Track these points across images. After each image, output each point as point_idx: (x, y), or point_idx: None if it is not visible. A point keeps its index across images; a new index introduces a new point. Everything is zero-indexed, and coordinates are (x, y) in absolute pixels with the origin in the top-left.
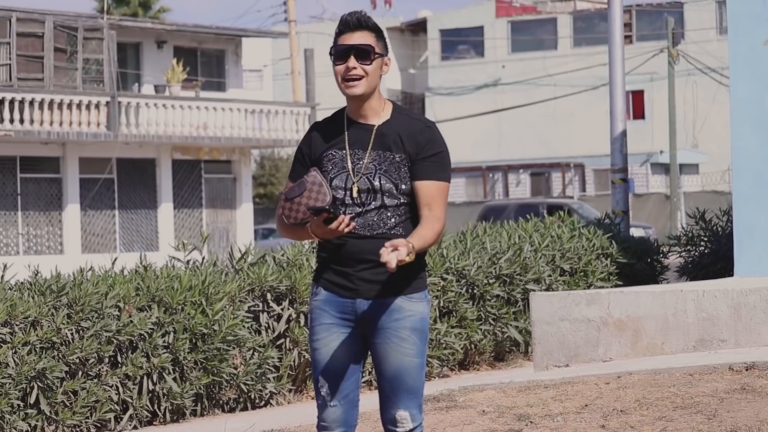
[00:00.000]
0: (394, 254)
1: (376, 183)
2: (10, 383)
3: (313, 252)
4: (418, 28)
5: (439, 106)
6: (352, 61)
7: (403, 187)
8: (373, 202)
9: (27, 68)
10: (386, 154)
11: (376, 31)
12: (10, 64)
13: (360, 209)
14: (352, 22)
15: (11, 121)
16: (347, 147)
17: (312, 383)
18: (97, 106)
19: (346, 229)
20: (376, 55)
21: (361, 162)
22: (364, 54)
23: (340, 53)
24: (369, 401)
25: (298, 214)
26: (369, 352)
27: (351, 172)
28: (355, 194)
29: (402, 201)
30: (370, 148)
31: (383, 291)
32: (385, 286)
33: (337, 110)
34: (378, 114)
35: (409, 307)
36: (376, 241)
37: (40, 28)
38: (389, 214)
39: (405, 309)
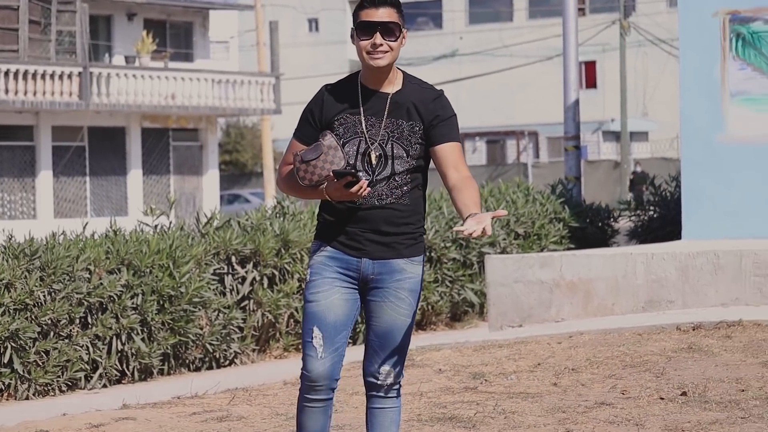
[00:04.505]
0: (479, 227)
1: (388, 150)
2: None
3: (276, 217)
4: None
5: None
6: (378, 38)
7: (413, 152)
8: (383, 172)
9: (2, 40)
10: (399, 122)
11: (397, 6)
12: None
13: (370, 177)
14: None
15: None
16: (362, 112)
17: (275, 343)
18: (69, 76)
19: (364, 194)
20: (400, 31)
21: (374, 129)
22: (389, 31)
23: (366, 29)
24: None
25: (313, 176)
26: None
27: (365, 138)
28: (373, 160)
29: (410, 166)
30: (385, 116)
31: (388, 252)
32: (390, 248)
33: (349, 75)
34: (392, 83)
35: (410, 269)
36: (385, 211)
37: (15, 1)
38: (398, 182)
39: (406, 270)
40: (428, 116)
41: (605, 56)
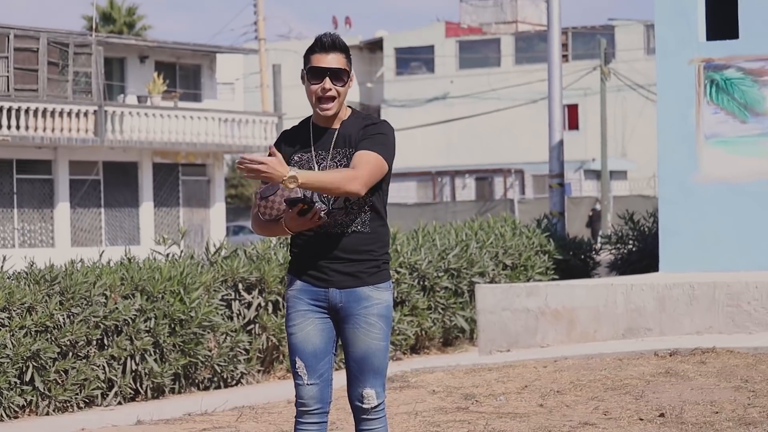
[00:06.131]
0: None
1: None
2: (7, 363)
3: (280, 247)
4: (375, 46)
5: (394, 117)
6: (328, 83)
7: None
8: (338, 200)
9: (23, 80)
10: (344, 150)
11: (346, 51)
12: (8, 76)
13: (327, 207)
14: (327, 43)
15: (8, 127)
16: (312, 149)
17: (279, 365)
18: (85, 114)
19: (319, 221)
20: (348, 77)
21: (324, 162)
22: (338, 77)
23: (316, 74)
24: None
25: (272, 211)
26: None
27: (317, 171)
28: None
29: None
30: (332, 147)
31: (353, 281)
32: (355, 278)
33: (304, 119)
34: (340, 120)
35: (376, 295)
36: (347, 238)
37: (35, 44)
38: (355, 209)
39: (373, 297)
40: (361, 137)
41: (587, 100)
